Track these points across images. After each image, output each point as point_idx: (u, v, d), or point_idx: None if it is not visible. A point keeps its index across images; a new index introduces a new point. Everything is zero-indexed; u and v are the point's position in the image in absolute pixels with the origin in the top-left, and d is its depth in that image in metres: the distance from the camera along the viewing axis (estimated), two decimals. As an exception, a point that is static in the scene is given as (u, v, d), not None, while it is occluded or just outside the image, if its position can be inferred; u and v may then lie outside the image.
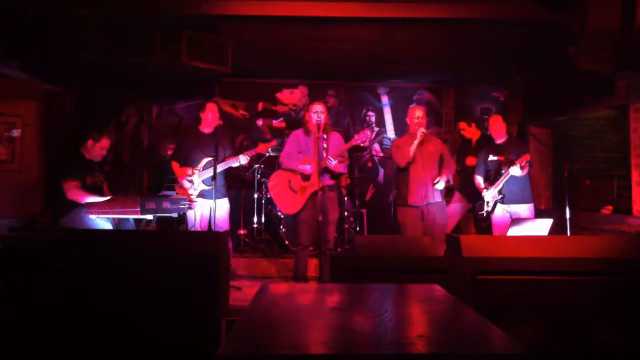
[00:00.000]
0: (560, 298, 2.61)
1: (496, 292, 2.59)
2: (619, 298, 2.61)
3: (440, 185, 4.47)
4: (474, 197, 5.06)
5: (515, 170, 4.49)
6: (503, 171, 4.61)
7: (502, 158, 4.66)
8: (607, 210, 5.25)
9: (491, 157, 4.77)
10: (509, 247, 2.83)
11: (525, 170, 4.56)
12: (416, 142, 4.41)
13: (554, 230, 3.78)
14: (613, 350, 2.54)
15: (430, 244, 3.10)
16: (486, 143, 5.08)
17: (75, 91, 5.35)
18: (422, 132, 4.40)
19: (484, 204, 4.80)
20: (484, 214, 4.80)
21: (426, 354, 1.20)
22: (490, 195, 4.72)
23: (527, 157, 4.49)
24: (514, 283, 2.62)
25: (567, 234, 4.36)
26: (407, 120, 4.66)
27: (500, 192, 4.64)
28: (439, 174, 4.50)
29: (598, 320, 2.58)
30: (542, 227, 3.72)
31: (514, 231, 3.68)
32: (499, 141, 4.81)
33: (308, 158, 4.32)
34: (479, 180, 4.88)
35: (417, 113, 4.57)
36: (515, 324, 2.46)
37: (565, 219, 4.39)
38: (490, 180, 4.76)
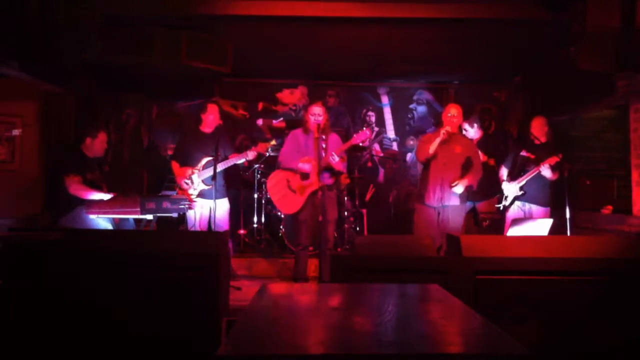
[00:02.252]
0: (560, 298, 2.61)
1: (496, 292, 2.59)
2: (619, 298, 2.62)
3: (459, 189, 4.32)
4: (475, 196, 5.06)
5: (546, 172, 4.49)
6: (529, 168, 4.61)
7: (533, 156, 4.66)
8: (607, 210, 5.24)
9: (523, 154, 4.77)
10: (509, 247, 2.83)
11: (555, 175, 4.55)
12: (438, 139, 4.33)
13: (554, 230, 3.78)
14: (613, 350, 2.54)
15: (430, 244, 3.10)
16: (521, 141, 5.07)
17: (75, 91, 5.35)
18: (446, 131, 4.32)
19: (502, 198, 4.82)
20: (501, 207, 4.83)
21: (426, 354, 1.20)
22: (510, 189, 4.73)
23: (555, 158, 4.44)
24: (514, 283, 2.62)
25: (567, 234, 4.35)
26: (442, 116, 4.59)
27: (521, 189, 4.65)
28: (461, 177, 4.36)
29: (598, 320, 2.58)
30: (542, 227, 3.72)
31: (514, 231, 3.68)
32: (538, 142, 4.79)
33: (307, 158, 4.32)
34: (504, 172, 4.88)
35: (452, 111, 4.48)
36: (515, 324, 2.46)
37: (565, 219, 4.39)
38: (513, 176, 4.77)
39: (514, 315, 2.51)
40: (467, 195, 4.72)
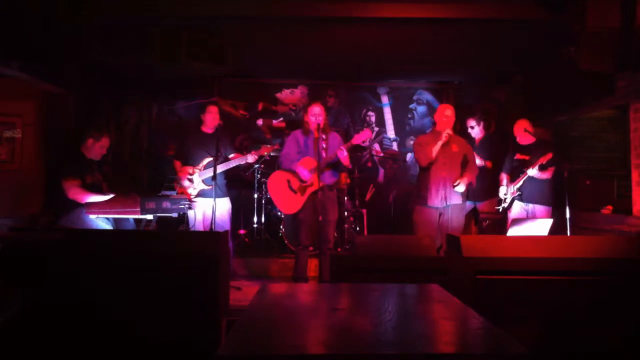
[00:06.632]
0: (560, 298, 2.61)
1: (496, 292, 2.59)
2: (619, 298, 2.62)
3: (461, 188, 4.41)
4: (477, 196, 5.06)
5: (533, 172, 4.56)
6: (523, 170, 4.69)
7: (527, 158, 4.74)
8: (607, 210, 5.24)
9: (517, 157, 4.86)
10: (509, 247, 2.83)
11: (545, 174, 4.61)
12: (440, 142, 4.36)
13: (554, 230, 3.78)
14: (613, 350, 2.54)
15: (430, 244, 3.10)
16: (514, 145, 5.13)
17: (75, 91, 5.35)
18: (448, 134, 4.37)
19: (501, 200, 4.90)
20: (500, 210, 4.90)
21: (426, 354, 1.20)
22: (504, 191, 4.83)
23: (547, 156, 4.49)
24: (514, 283, 2.62)
25: (567, 234, 4.36)
26: (435, 117, 4.63)
27: (519, 190, 4.73)
28: (461, 175, 4.44)
29: (598, 320, 2.58)
30: (542, 227, 3.72)
31: (514, 231, 3.68)
32: (525, 143, 4.86)
33: (307, 158, 4.32)
34: (503, 177, 4.96)
35: (447, 112, 4.54)
36: (515, 324, 2.46)
37: (565, 219, 4.40)
38: (512, 179, 4.87)
39: (514, 315, 2.51)
40: (467, 194, 4.77)
